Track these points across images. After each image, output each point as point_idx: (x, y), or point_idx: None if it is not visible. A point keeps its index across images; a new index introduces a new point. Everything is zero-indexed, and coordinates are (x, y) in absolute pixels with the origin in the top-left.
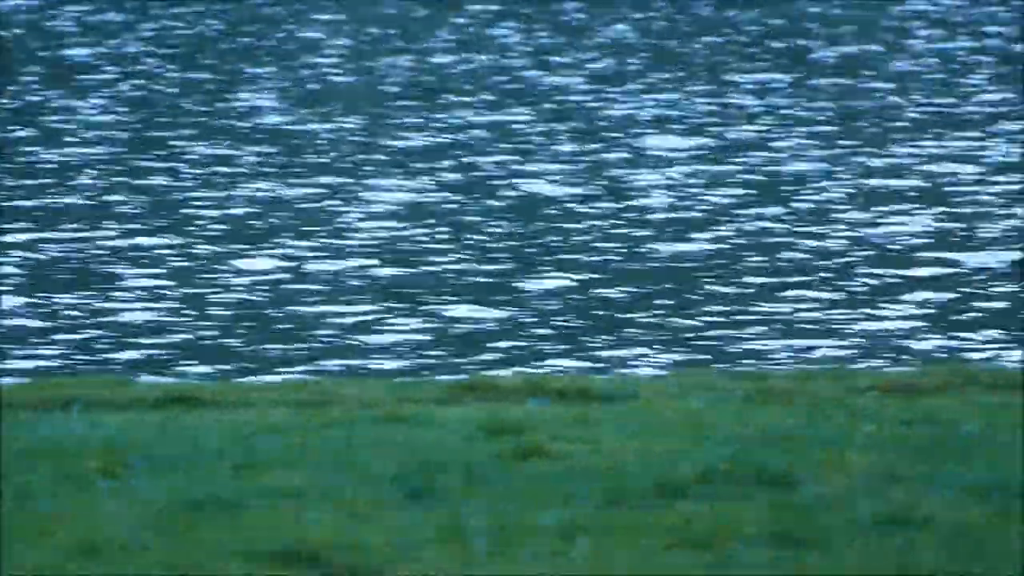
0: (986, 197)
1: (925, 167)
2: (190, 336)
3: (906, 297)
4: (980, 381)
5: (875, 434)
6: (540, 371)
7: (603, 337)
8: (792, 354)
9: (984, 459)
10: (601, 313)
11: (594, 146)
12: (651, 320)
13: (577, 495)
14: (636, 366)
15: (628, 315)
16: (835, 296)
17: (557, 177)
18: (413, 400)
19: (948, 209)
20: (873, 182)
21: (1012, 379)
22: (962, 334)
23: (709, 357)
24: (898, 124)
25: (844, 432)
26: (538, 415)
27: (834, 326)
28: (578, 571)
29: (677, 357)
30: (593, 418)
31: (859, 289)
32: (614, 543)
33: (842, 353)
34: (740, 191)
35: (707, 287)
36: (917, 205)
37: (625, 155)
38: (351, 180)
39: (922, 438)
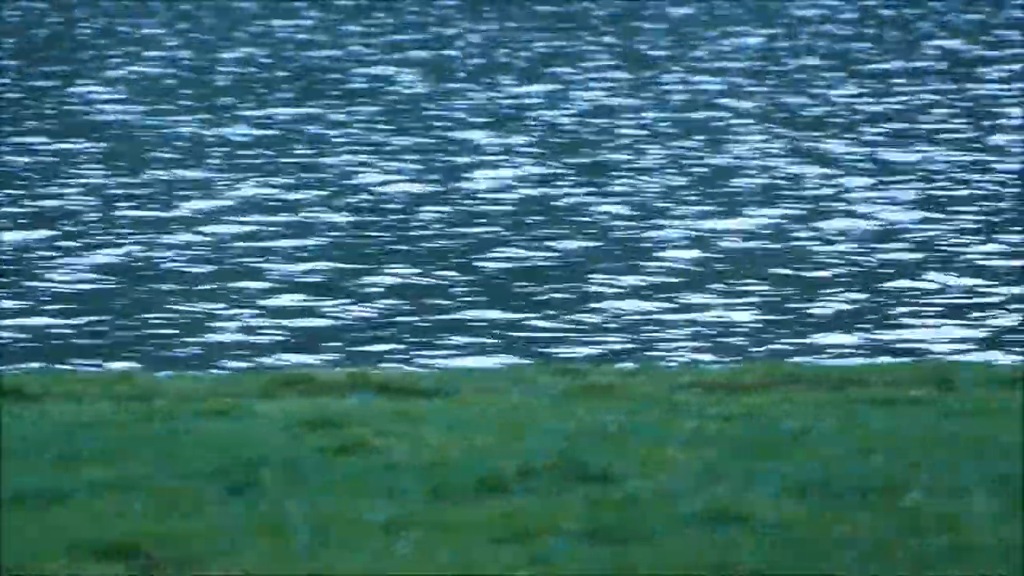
0: (830, 195)
1: (764, 163)
2: (18, 328)
3: (743, 294)
4: (802, 379)
5: (696, 430)
6: (371, 367)
7: (440, 334)
8: (623, 350)
9: (805, 456)
10: (438, 310)
11: (432, 142)
12: (488, 317)
13: (400, 490)
14: (470, 363)
15: (464, 312)
16: (672, 292)
17: (396, 173)
18: (234, 394)
19: (789, 207)
20: (715, 178)
21: (833, 377)
22: (801, 332)
23: (541, 354)
24: (739, 121)
25: (665, 428)
26: (361, 410)
27: (666, 322)
28: (401, 566)
29: (510, 354)
30: (416, 413)
31: (697, 285)
32: (437, 538)
33: (673, 349)
34: (581, 189)
35: (547, 285)
36: (757, 202)
37: (465, 151)
38: (189, 174)
39: (743, 435)
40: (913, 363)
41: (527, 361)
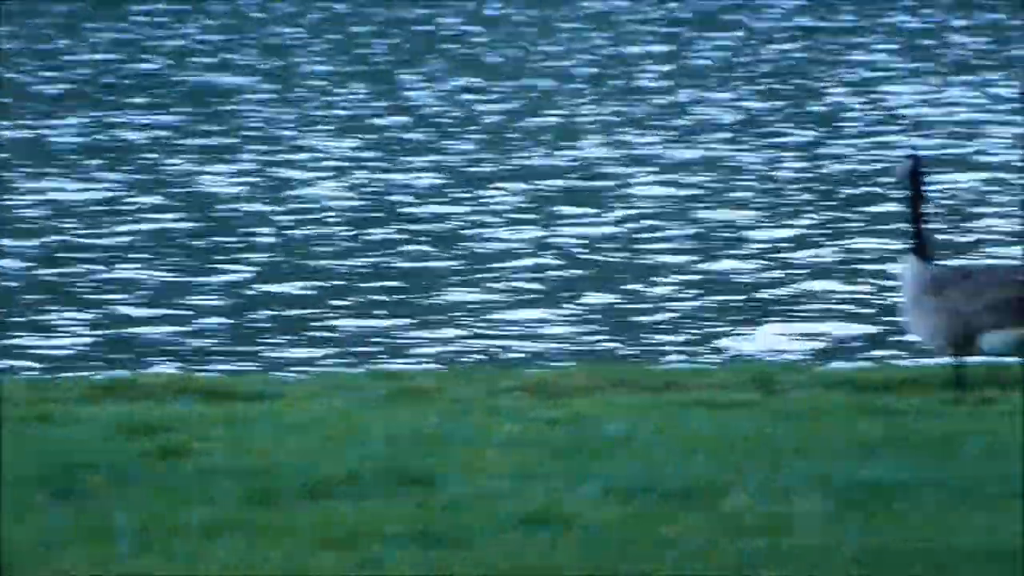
0: (665, 198)
1: (604, 169)
2: None
3: (573, 299)
4: (625, 382)
5: (518, 434)
6: (199, 371)
7: (270, 337)
8: (448, 353)
9: (627, 459)
10: (269, 313)
11: (266, 147)
12: (321, 320)
13: (223, 494)
14: (299, 366)
15: (295, 314)
16: (508, 296)
17: (230, 177)
18: (58, 399)
19: (629, 210)
20: (544, 183)
21: (655, 380)
22: (631, 336)
23: (371, 356)
24: (570, 126)
25: (487, 432)
26: (184, 414)
27: (502, 326)
28: (223, 570)
29: (342, 358)
30: (240, 418)
31: (532, 290)
32: (260, 543)
33: (506, 353)
34: (422, 196)
35: (379, 286)
36: (593, 208)
37: (297, 156)
38: (16, 177)
39: (565, 438)
40: (735, 366)
41: (355, 362)
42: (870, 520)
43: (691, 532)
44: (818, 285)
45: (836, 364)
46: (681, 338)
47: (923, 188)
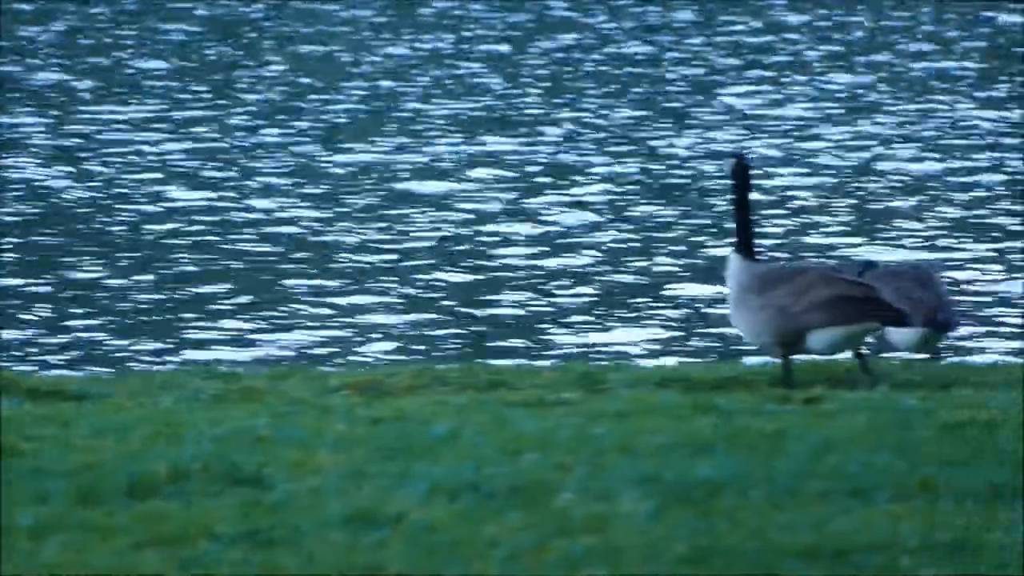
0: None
1: (445, 167)
2: None
3: (409, 297)
4: (451, 381)
5: (346, 433)
6: (18, 369)
7: (108, 337)
8: (276, 352)
9: (455, 458)
10: (109, 313)
11: (106, 148)
12: (165, 320)
13: (49, 494)
14: (140, 365)
15: (138, 316)
16: (339, 296)
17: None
18: None
19: (465, 212)
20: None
21: (482, 379)
22: (467, 334)
23: (210, 357)
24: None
25: (315, 431)
26: (9, 414)
27: (335, 325)
28: (49, 570)
29: (179, 357)
30: (66, 417)
31: (369, 288)
32: (86, 542)
33: (341, 352)
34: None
35: (225, 287)
36: (434, 206)
37: (140, 157)
38: None
39: (392, 437)
40: (563, 365)
41: (188, 360)
42: (699, 518)
43: (519, 531)
44: (661, 285)
45: (665, 363)
46: (523, 339)
47: (748, 186)
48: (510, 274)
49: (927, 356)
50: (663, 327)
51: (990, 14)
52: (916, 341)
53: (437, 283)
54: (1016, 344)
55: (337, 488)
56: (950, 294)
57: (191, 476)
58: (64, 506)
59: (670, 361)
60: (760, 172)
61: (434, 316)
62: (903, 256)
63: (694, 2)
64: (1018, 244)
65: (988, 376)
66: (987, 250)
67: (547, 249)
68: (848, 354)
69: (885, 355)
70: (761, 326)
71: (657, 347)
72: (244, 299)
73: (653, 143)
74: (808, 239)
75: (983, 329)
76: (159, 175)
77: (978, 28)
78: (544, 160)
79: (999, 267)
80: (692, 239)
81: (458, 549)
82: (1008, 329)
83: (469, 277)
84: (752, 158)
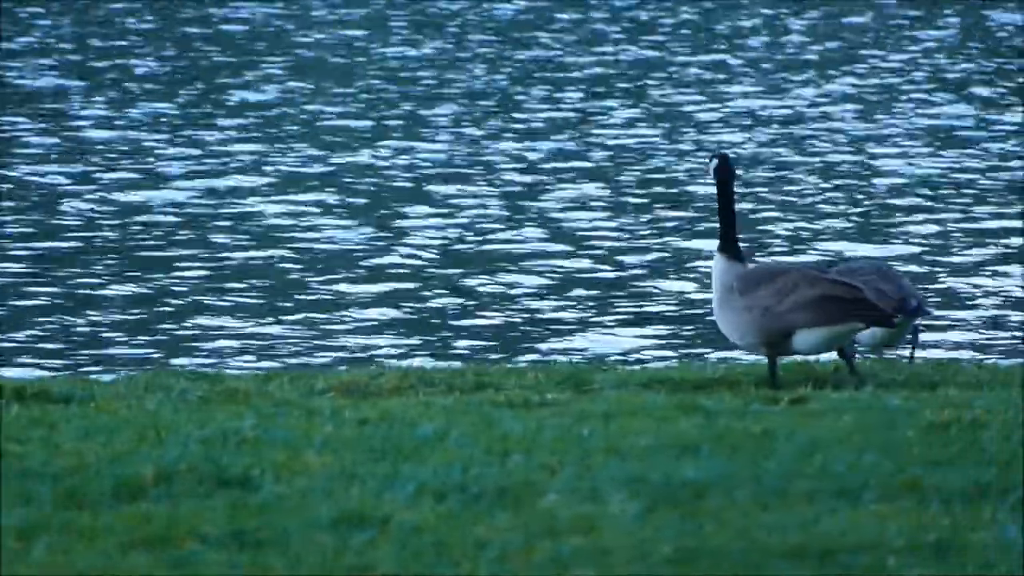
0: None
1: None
2: None
3: (376, 296)
4: (437, 382)
5: (332, 435)
6: (5, 371)
7: (82, 340)
8: (251, 356)
9: (442, 459)
10: (84, 317)
11: (96, 149)
12: (154, 322)
13: (36, 496)
14: (126, 368)
15: (125, 316)
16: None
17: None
18: None
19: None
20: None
21: (468, 380)
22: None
23: (179, 357)
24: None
25: (302, 433)
26: None
27: (315, 327)
28: (37, 571)
29: (154, 359)
30: (52, 420)
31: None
32: (73, 543)
33: (324, 354)
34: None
35: (213, 287)
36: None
37: (131, 160)
38: None
39: (379, 439)
40: (550, 366)
41: (163, 363)
42: (686, 519)
43: (506, 532)
44: (649, 286)
45: (653, 364)
46: (510, 339)
47: (732, 186)
48: (498, 276)
49: (900, 348)
50: (651, 328)
51: (987, 12)
52: (883, 336)
53: (427, 285)
54: (1002, 343)
55: (324, 489)
56: (912, 286)
57: (177, 478)
58: (50, 508)
59: (657, 362)
60: (761, 171)
61: (422, 317)
62: (898, 255)
63: (693, 2)
64: (1009, 242)
65: (973, 376)
66: (979, 250)
67: (539, 249)
68: (833, 354)
69: (862, 352)
70: (746, 326)
71: (644, 348)
72: (240, 301)
73: (648, 143)
74: (806, 238)
75: (968, 328)
76: (151, 178)
77: (977, 27)
78: (539, 160)
79: (989, 267)
80: (681, 239)
81: (446, 550)
82: (992, 329)
83: (457, 279)
84: (745, 157)
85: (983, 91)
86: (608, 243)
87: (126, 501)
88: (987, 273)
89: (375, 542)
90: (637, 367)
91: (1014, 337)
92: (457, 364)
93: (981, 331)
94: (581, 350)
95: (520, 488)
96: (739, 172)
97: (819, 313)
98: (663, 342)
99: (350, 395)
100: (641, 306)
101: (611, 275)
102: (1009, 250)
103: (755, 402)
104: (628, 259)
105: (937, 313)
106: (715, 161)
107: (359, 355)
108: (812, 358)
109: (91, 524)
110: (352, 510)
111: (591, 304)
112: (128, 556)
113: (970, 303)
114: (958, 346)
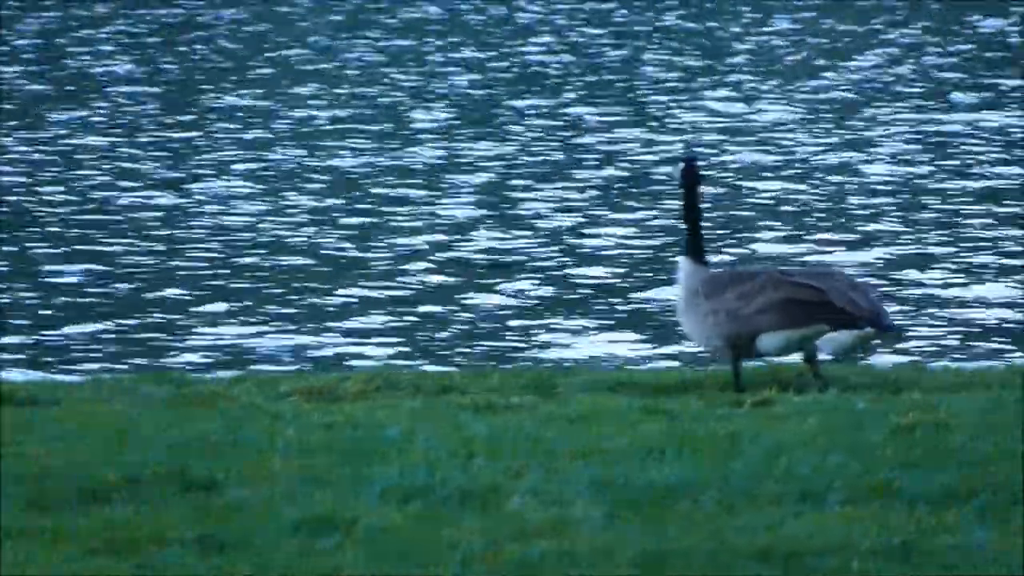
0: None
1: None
2: None
3: (345, 298)
4: (402, 386)
5: (297, 439)
6: None
7: (39, 341)
8: (223, 358)
9: (407, 462)
10: (40, 321)
11: (76, 153)
12: (124, 325)
13: (3, 500)
14: (70, 369)
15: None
16: (268, 303)
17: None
18: None
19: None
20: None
21: (432, 384)
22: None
23: (145, 361)
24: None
25: (267, 437)
26: None
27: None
28: (1, 575)
29: (115, 363)
30: (16, 423)
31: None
32: (37, 548)
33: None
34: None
35: (189, 293)
36: (347, 210)
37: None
38: None
39: (345, 442)
40: (514, 370)
41: (132, 367)
42: (652, 521)
43: (473, 535)
44: (619, 289)
45: (618, 367)
46: (480, 342)
47: (699, 190)
48: (480, 281)
49: (859, 355)
50: (619, 332)
51: (974, 17)
52: (850, 343)
53: (406, 287)
54: (972, 346)
55: (290, 493)
56: (880, 298)
57: (143, 482)
58: (14, 512)
59: (624, 365)
60: (745, 177)
61: (405, 322)
62: (887, 258)
63: (680, 5)
64: (990, 247)
65: (937, 379)
66: (957, 254)
67: (509, 252)
68: (797, 357)
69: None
70: (711, 329)
71: (612, 351)
72: (222, 305)
73: (628, 146)
74: (786, 243)
75: (938, 331)
76: (136, 180)
77: (962, 31)
78: (520, 163)
79: (962, 271)
80: (653, 243)
81: (413, 552)
82: (959, 333)
83: (437, 284)
84: (726, 161)
85: (965, 96)
86: (581, 247)
87: (92, 505)
88: (960, 278)
89: (342, 545)
90: (603, 370)
91: (981, 340)
92: (421, 368)
93: (951, 336)
94: (563, 356)
95: (486, 491)
96: (728, 176)
97: (784, 316)
98: (635, 347)
99: (316, 399)
100: (617, 309)
101: (580, 279)
102: (982, 255)
103: (720, 405)
104: (597, 263)
105: (904, 321)
106: (681, 165)
107: (332, 359)
108: (776, 359)
109: (56, 528)
110: (318, 513)
111: (576, 309)
112: (94, 560)
113: (943, 307)
114: (922, 352)
